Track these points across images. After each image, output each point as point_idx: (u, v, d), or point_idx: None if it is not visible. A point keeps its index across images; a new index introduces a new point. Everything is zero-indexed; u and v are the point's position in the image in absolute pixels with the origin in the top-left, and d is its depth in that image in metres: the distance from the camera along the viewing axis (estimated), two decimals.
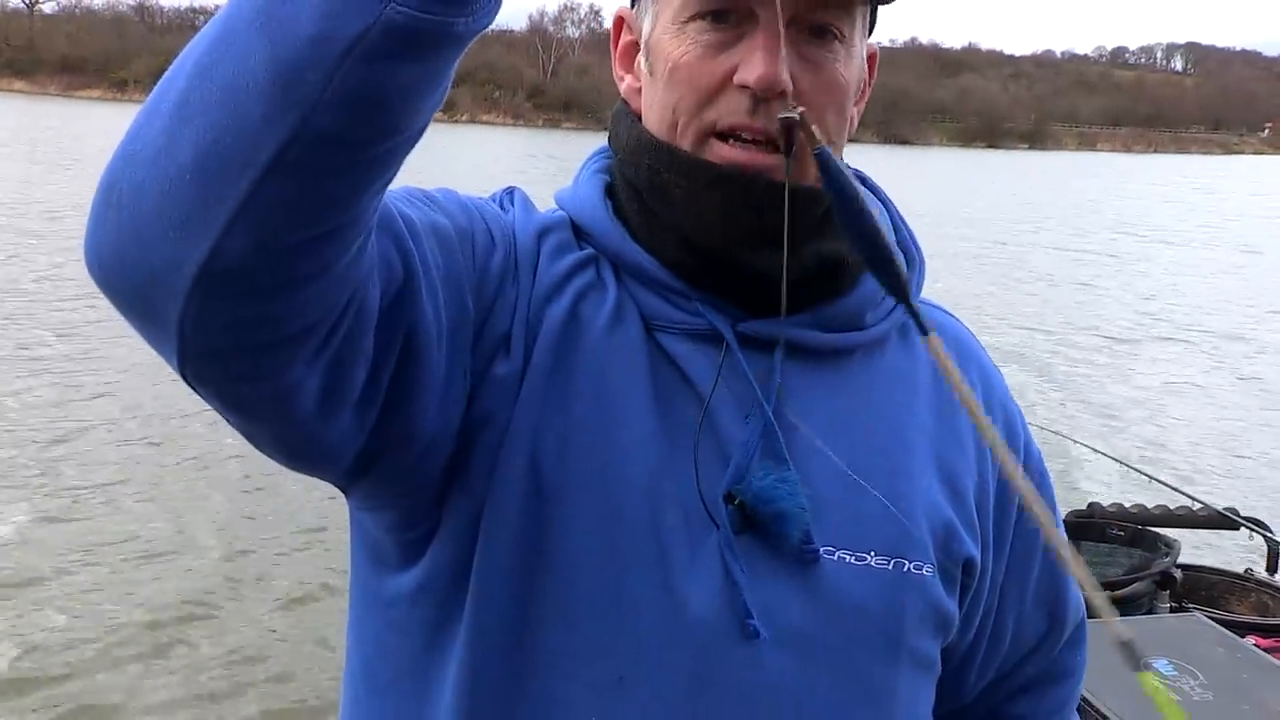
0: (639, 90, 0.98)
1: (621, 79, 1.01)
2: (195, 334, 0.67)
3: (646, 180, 0.93)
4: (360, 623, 0.99)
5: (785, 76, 0.86)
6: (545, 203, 1.04)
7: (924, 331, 0.68)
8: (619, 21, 1.01)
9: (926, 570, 0.93)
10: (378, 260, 0.77)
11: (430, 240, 0.84)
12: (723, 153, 0.90)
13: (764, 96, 0.86)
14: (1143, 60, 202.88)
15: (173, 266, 0.64)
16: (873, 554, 0.91)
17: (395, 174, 0.70)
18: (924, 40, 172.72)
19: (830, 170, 0.73)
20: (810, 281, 0.93)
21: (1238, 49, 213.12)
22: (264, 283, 0.66)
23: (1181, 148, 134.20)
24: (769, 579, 0.88)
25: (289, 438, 0.78)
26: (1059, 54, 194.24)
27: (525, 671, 0.87)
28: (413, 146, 0.68)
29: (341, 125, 0.61)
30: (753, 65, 0.86)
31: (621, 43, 1.01)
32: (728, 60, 0.88)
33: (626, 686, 0.86)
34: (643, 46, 0.96)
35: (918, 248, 1.03)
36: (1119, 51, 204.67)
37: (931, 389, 0.99)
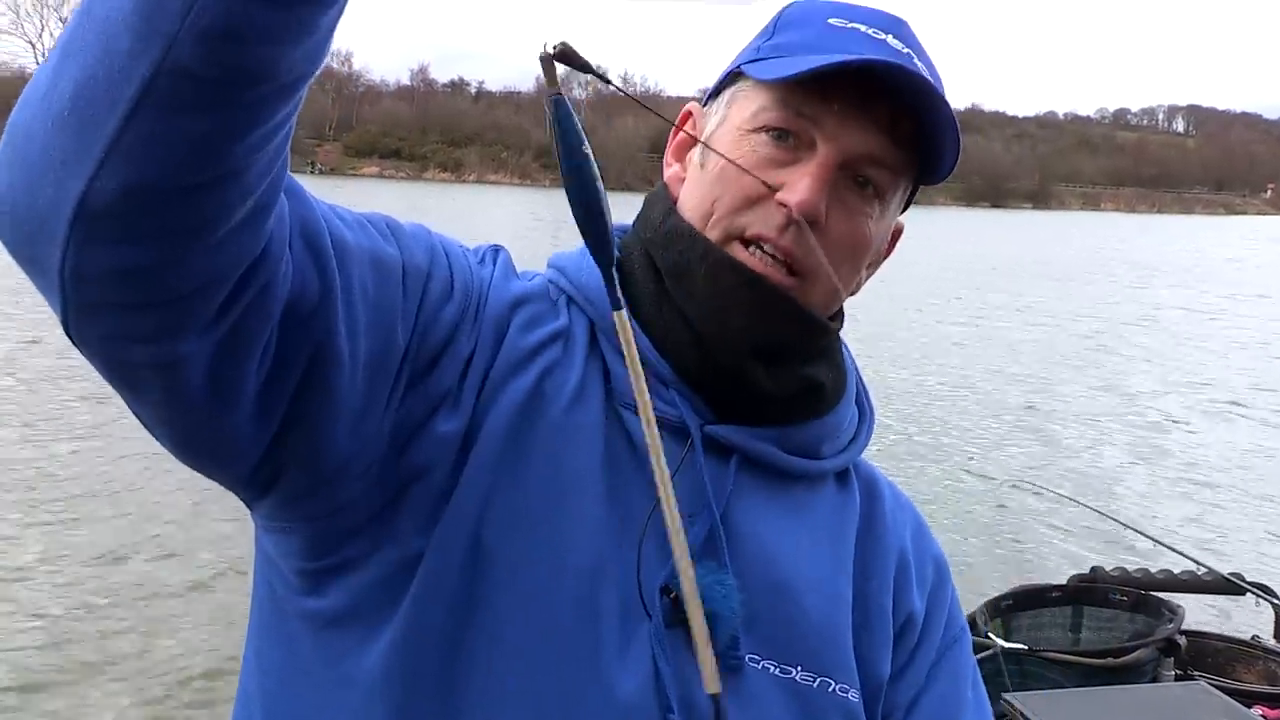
0: (682, 180, 1.02)
1: (670, 165, 1.06)
2: (74, 282, 0.66)
3: (674, 267, 0.96)
4: (261, 655, 0.96)
5: (823, 208, 0.92)
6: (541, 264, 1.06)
7: (617, 305, 0.77)
8: (686, 115, 1.06)
9: (852, 695, 0.95)
10: (293, 266, 0.77)
11: (364, 267, 0.84)
12: (743, 257, 0.94)
13: (799, 220, 0.91)
14: (1145, 121, 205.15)
15: (53, 208, 0.64)
16: (799, 669, 0.93)
17: (277, 134, 0.68)
18: None
19: (561, 115, 0.75)
20: (789, 400, 0.98)
21: (1238, 111, 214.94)
22: (138, 230, 0.65)
23: (1185, 208, 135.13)
24: (695, 676, 0.88)
25: (177, 422, 0.77)
26: (1061, 115, 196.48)
27: None
28: (285, 104, 0.67)
29: (202, 61, 0.61)
30: (799, 189, 0.91)
31: (682, 136, 1.06)
32: (776, 176, 0.93)
33: None
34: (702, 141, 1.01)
35: (869, 403, 1.09)
36: (1121, 113, 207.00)
37: (863, 528, 1.04)
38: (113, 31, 0.62)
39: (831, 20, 0.96)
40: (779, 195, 0.92)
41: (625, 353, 0.77)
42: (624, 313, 0.77)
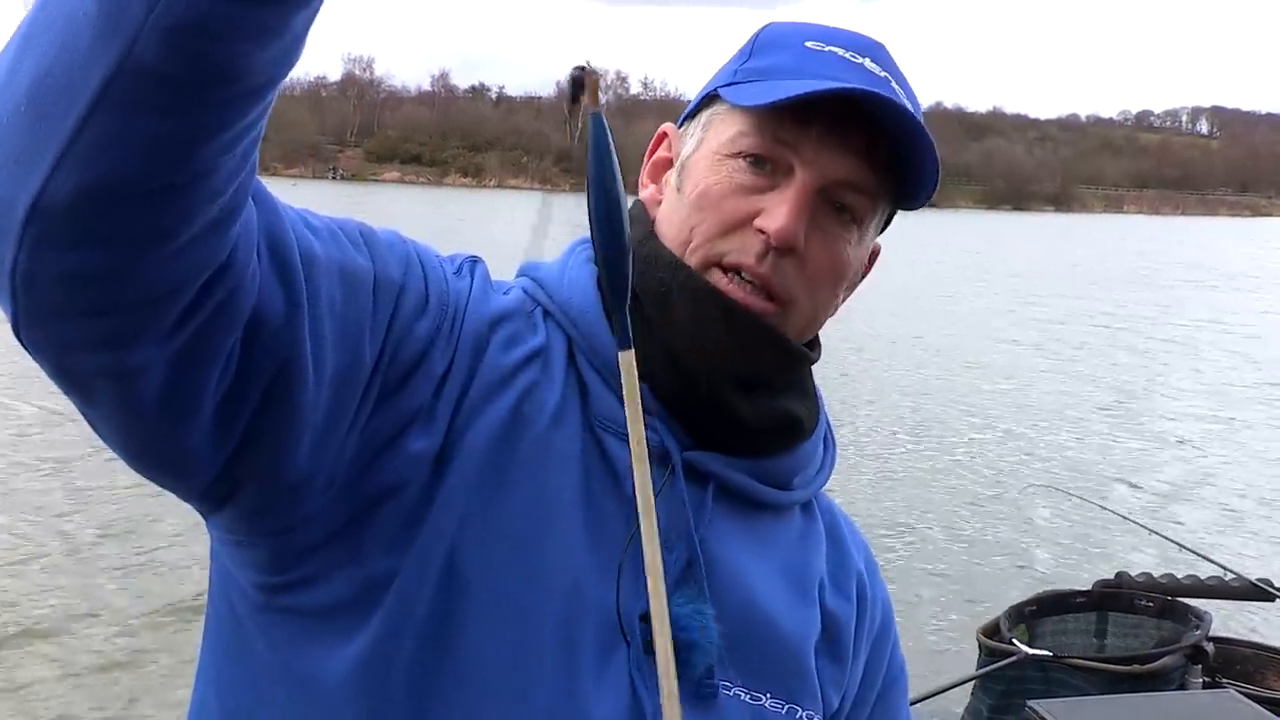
0: (659, 202, 1.02)
1: (645, 186, 1.05)
2: (25, 285, 0.64)
3: (654, 294, 0.95)
4: (221, 671, 0.94)
5: (802, 235, 0.92)
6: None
7: (626, 345, 0.73)
8: (662, 136, 1.06)
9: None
10: (261, 277, 0.75)
11: (332, 279, 0.81)
12: (722, 284, 0.94)
13: (776, 247, 0.91)
14: (1168, 123, 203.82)
15: (6, 207, 0.62)
16: (769, 695, 0.95)
17: (244, 138, 0.66)
18: (949, 104, 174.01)
19: (599, 134, 0.72)
20: (769, 432, 0.98)
21: (1263, 112, 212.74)
22: (95, 233, 0.62)
23: (1209, 210, 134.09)
24: None
25: (131, 431, 0.75)
26: (1084, 117, 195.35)
27: None
28: (254, 107, 0.64)
29: (166, 59, 0.58)
30: (776, 216, 0.91)
31: (657, 156, 1.05)
32: (754, 203, 0.93)
33: None
34: (678, 164, 1.00)
35: (832, 435, 1.10)
36: (1144, 115, 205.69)
37: (831, 552, 1.07)
38: (75, 25, 0.59)
39: (809, 44, 0.97)
40: (757, 222, 0.92)
41: (627, 398, 0.74)
42: (631, 354, 0.74)
